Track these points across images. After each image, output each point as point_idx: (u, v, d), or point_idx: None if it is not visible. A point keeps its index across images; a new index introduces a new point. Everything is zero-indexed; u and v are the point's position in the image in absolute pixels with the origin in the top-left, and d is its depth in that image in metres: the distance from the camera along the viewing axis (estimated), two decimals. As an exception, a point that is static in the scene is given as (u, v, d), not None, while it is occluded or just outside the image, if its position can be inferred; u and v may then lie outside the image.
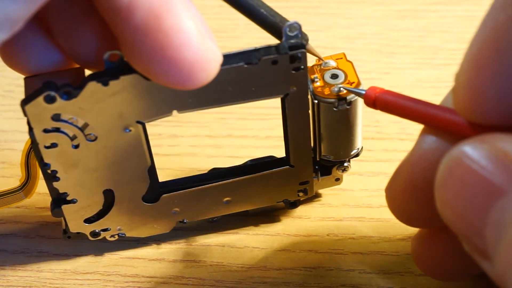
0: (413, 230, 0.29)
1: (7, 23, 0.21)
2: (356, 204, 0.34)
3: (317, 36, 0.43)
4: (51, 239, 0.33)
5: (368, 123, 0.37)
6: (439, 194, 0.22)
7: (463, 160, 0.21)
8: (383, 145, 0.37)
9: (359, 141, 0.30)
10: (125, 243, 0.32)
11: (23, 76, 0.27)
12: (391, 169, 0.34)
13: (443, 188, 0.21)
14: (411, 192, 0.25)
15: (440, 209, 0.22)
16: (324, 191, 0.33)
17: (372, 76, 0.41)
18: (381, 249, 0.31)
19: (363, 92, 0.26)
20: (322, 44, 0.43)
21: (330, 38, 0.44)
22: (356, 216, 0.33)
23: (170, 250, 0.32)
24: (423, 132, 0.25)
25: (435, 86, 0.40)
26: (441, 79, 0.40)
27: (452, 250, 0.25)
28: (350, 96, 0.28)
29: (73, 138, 0.27)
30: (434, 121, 0.24)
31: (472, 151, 0.20)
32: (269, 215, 0.33)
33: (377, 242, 0.32)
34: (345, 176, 0.32)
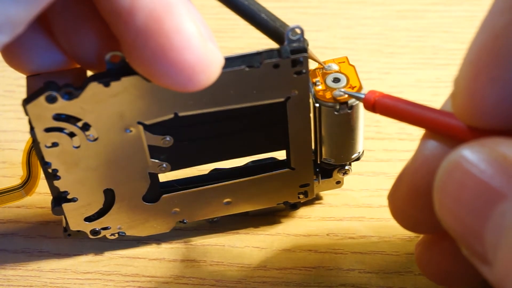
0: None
1: (8, 25, 0.21)
2: (356, 204, 0.34)
3: (317, 36, 0.43)
4: (51, 238, 0.33)
5: (368, 123, 0.37)
6: (438, 198, 0.21)
7: (462, 164, 0.20)
8: (383, 145, 0.37)
9: (360, 145, 0.30)
10: (125, 242, 0.32)
11: (24, 77, 0.27)
12: (391, 169, 0.35)
13: (441, 192, 0.21)
14: (414, 198, 0.25)
15: (439, 213, 0.21)
16: (324, 191, 0.33)
17: (372, 76, 0.41)
18: (381, 249, 0.32)
19: (362, 96, 0.26)
20: (322, 44, 0.43)
21: (330, 38, 0.44)
22: (356, 216, 0.33)
23: (170, 249, 0.32)
24: (424, 138, 0.25)
25: (434, 86, 0.40)
26: (441, 79, 0.40)
27: (457, 256, 0.24)
28: (352, 100, 0.28)
29: (74, 137, 0.27)
30: (433, 125, 0.24)
31: (471, 154, 0.20)
32: (269, 216, 0.33)
33: (377, 242, 0.32)
34: (345, 176, 0.32)
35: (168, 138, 0.28)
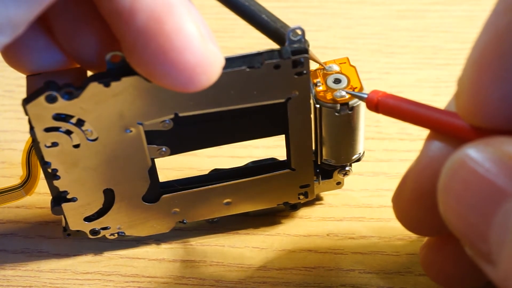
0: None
1: (9, 26, 0.21)
2: (356, 204, 0.34)
3: (317, 36, 0.43)
4: (51, 239, 0.33)
5: (369, 123, 0.37)
6: (442, 197, 0.21)
7: (467, 163, 0.20)
8: (383, 145, 0.37)
9: (361, 146, 0.30)
10: (125, 242, 0.32)
11: (23, 77, 0.27)
12: (391, 169, 0.35)
13: (446, 191, 0.21)
14: (419, 200, 0.25)
15: (443, 212, 0.21)
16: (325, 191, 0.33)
17: (372, 76, 0.41)
18: (381, 249, 0.32)
19: (365, 96, 0.26)
20: (322, 44, 0.43)
21: (330, 38, 0.44)
22: (356, 216, 0.33)
23: (170, 250, 0.32)
24: (428, 139, 0.24)
25: (435, 86, 0.40)
26: (441, 79, 0.40)
27: (462, 257, 0.24)
28: (352, 102, 0.28)
29: (73, 137, 0.27)
30: (437, 125, 0.24)
31: (476, 153, 0.20)
32: (269, 216, 0.33)
33: (377, 242, 0.32)
34: (346, 177, 0.32)
35: (167, 121, 0.28)
